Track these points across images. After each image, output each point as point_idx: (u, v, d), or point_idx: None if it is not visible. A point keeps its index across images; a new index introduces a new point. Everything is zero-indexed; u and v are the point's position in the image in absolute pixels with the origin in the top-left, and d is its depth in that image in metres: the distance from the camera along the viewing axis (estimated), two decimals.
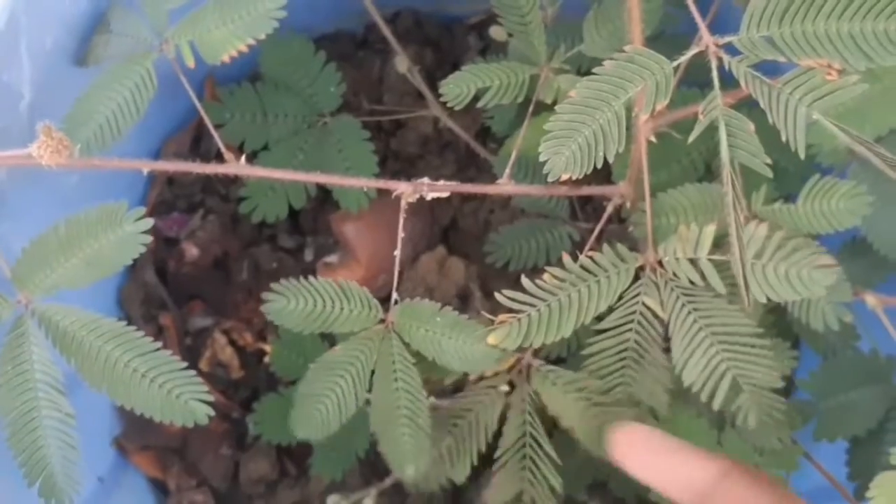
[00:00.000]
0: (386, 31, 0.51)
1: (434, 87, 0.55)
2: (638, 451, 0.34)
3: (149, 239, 0.37)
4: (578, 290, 0.36)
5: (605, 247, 0.36)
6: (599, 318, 0.44)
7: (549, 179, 0.32)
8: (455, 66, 0.64)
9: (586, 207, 0.56)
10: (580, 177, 0.32)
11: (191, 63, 0.42)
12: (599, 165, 0.31)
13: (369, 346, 0.42)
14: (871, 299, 0.38)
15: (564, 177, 0.31)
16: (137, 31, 0.45)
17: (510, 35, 0.49)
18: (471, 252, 0.60)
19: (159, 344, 0.38)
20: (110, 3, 0.46)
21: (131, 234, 0.37)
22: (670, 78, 0.30)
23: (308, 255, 0.60)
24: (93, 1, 0.46)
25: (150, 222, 0.37)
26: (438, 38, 0.64)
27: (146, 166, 0.40)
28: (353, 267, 0.57)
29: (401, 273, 0.59)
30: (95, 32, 0.46)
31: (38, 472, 0.39)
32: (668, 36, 0.47)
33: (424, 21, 0.64)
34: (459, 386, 0.45)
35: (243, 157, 0.42)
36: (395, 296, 0.46)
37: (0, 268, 0.39)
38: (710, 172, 0.44)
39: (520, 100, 0.43)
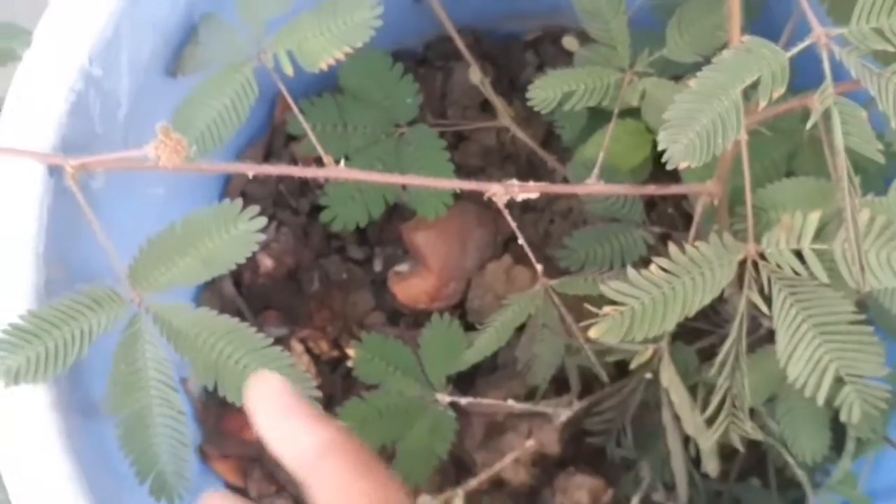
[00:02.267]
0: (461, 46, 0.53)
1: None
2: (266, 401, 0.32)
3: (262, 237, 0.39)
4: (683, 282, 0.37)
5: (712, 237, 0.37)
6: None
7: (668, 167, 0.33)
8: (512, 82, 0.66)
9: (651, 213, 0.57)
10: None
11: (289, 71, 0.44)
12: (718, 154, 0.32)
13: None
14: None
15: (683, 165, 0.32)
16: (229, 41, 0.46)
17: (583, 44, 0.51)
18: (530, 261, 0.61)
19: (270, 340, 0.39)
20: (201, 15, 0.48)
21: (245, 233, 0.38)
22: (786, 68, 0.32)
23: (377, 266, 0.61)
24: (186, 14, 0.47)
25: (263, 221, 0.39)
26: (496, 54, 0.66)
27: (252, 169, 0.41)
28: (424, 275, 0.58)
29: (469, 281, 0.60)
30: (187, 44, 0.48)
31: (149, 470, 0.40)
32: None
33: (483, 38, 0.66)
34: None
35: (342, 162, 0.43)
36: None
37: (112, 269, 0.41)
38: (790, 173, 0.45)
39: (605, 103, 0.45)
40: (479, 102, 0.63)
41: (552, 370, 0.53)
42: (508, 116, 0.56)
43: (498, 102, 0.55)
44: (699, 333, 0.52)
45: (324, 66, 0.43)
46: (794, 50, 0.32)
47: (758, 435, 0.42)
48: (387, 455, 0.54)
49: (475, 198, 0.61)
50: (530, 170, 0.63)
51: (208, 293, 0.58)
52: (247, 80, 0.44)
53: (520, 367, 0.54)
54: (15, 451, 0.40)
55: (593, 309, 0.38)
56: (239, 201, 0.39)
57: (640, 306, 0.38)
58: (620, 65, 0.45)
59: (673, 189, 0.42)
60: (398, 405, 0.51)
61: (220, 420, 0.56)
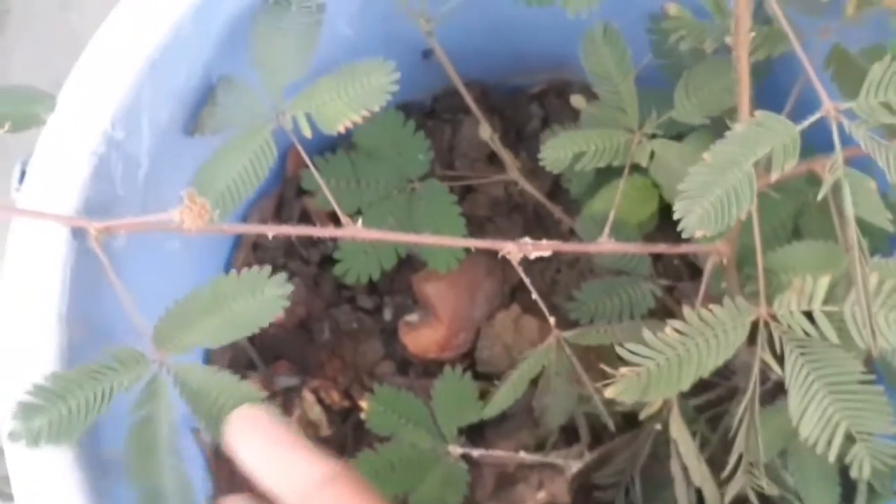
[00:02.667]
0: (470, 102, 0.54)
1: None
2: (253, 435, 0.32)
3: (287, 303, 0.39)
4: (698, 344, 0.38)
5: (726, 300, 0.38)
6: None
7: (684, 236, 0.34)
8: (518, 134, 0.67)
9: (657, 265, 0.58)
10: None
11: (308, 133, 0.45)
12: (732, 224, 0.33)
13: None
14: None
15: (698, 234, 0.33)
16: (247, 103, 0.47)
17: (589, 101, 0.52)
18: (538, 310, 0.62)
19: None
20: (219, 77, 0.49)
21: (272, 298, 0.39)
22: (797, 140, 0.33)
23: (387, 315, 0.61)
24: (204, 76, 0.48)
25: (290, 287, 0.39)
26: (502, 107, 0.67)
27: (271, 230, 0.42)
28: (435, 326, 0.59)
29: (479, 330, 0.61)
30: (205, 105, 0.49)
31: None
32: None
33: (489, 91, 0.67)
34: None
35: (359, 221, 0.44)
36: None
37: (133, 328, 0.41)
38: (797, 233, 0.46)
39: (615, 163, 0.46)
40: (487, 154, 0.64)
41: (565, 418, 0.54)
42: (516, 169, 0.57)
43: (506, 156, 0.57)
44: (705, 385, 0.53)
45: (341, 129, 0.44)
46: (805, 123, 0.33)
47: (773, 490, 0.43)
48: None
49: (484, 248, 0.62)
50: (537, 220, 0.64)
51: (216, 347, 0.58)
52: (266, 142, 0.45)
53: (536, 415, 0.55)
54: None
55: (609, 369, 0.39)
56: (267, 269, 0.39)
57: (655, 367, 0.38)
58: (629, 126, 0.46)
59: (683, 249, 0.43)
60: (410, 457, 0.52)
61: (232, 470, 0.57)
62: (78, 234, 0.42)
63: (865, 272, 0.33)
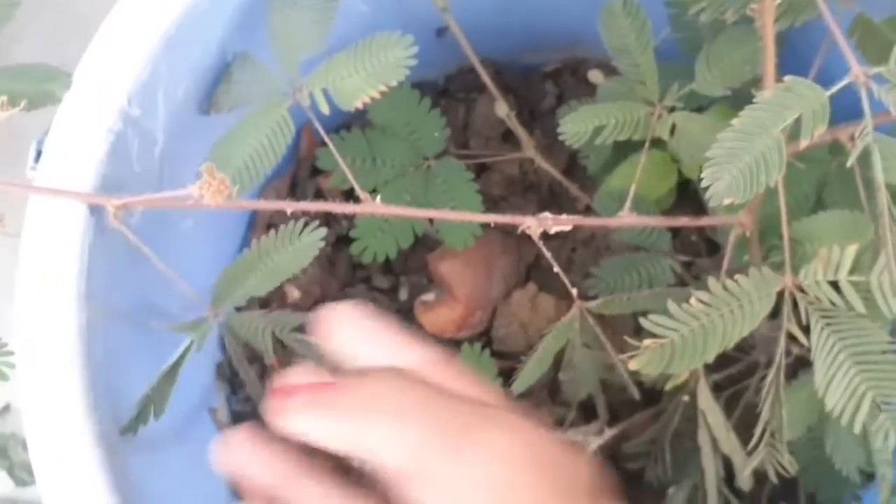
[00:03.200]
0: (487, 79, 0.54)
1: None
2: (354, 325, 0.33)
3: (322, 244, 0.42)
4: (723, 314, 0.38)
5: (752, 269, 0.38)
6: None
7: (711, 204, 0.33)
8: (532, 113, 0.67)
9: (675, 241, 0.58)
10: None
11: (325, 109, 0.44)
12: (761, 191, 0.33)
13: None
14: None
15: (727, 201, 0.33)
16: (263, 80, 0.47)
17: (607, 77, 0.52)
18: (553, 288, 0.62)
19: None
20: (234, 54, 0.49)
21: (308, 244, 0.42)
22: (826, 106, 0.33)
23: (402, 295, 0.61)
24: (220, 53, 0.48)
25: (323, 231, 0.42)
26: (516, 86, 0.67)
27: (291, 206, 0.42)
28: (451, 304, 0.58)
29: (495, 309, 0.61)
30: (220, 82, 0.49)
31: None
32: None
33: (503, 70, 0.66)
34: None
35: (377, 198, 0.43)
36: None
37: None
38: (820, 203, 0.45)
39: (636, 137, 0.46)
40: (501, 133, 0.63)
41: (589, 390, 0.54)
42: (532, 147, 0.57)
43: (522, 134, 0.56)
44: (724, 360, 0.53)
45: (359, 105, 0.44)
46: (834, 89, 0.33)
47: (793, 468, 0.43)
48: None
49: (499, 226, 0.61)
50: (552, 198, 0.64)
51: None
52: (283, 118, 0.44)
53: (564, 388, 0.55)
54: (59, 486, 0.40)
55: (632, 341, 0.39)
56: (299, 224, 0.42)
57: (679, 339, 0.38)
58: (650, 99, 0.46)
59: (705, 221, 0.43)
60: None
61: None
62: (95, 211, 0.42)
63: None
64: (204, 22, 0.46)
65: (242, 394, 0.60)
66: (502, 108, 0.54)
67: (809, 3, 0.43)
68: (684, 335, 0.38)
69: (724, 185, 0.33)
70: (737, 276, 0.38)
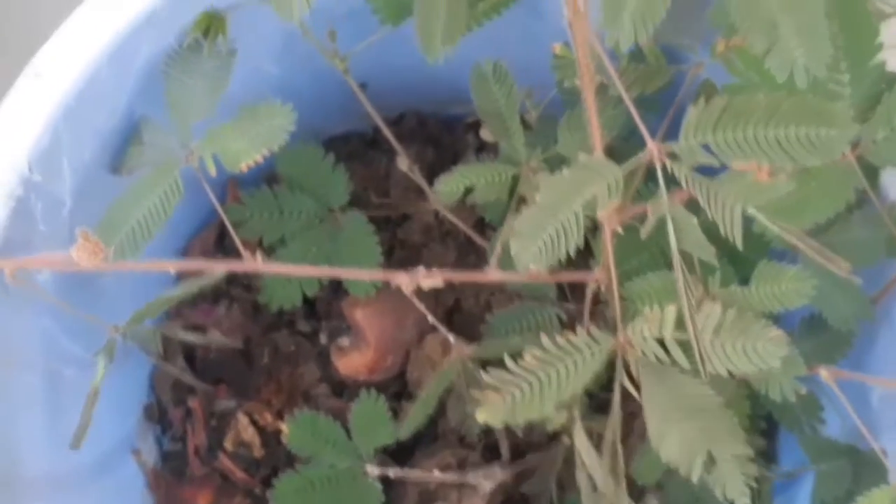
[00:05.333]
0: (388, 134, 0.56)
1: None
2: None
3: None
4: (557, 370, 0.40)
5: (579, 328, 0.40)
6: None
7: (519, 270, 0.36)
8: (454, 161, 0.70)
9: (575, 290, 0.60)
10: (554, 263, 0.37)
11: (213, 172, 0.48)
12: (563, 259, 0.35)
13: None
14: (824, 373, 0.41)
15: (533, 269, 0.36)
16: (165, 142, 0.50)
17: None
18: (474, 332, 0.65)
19: None
20: (140, 117, 0.52)
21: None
22: (620, 182, 0.35)
23: (323, 339, 0.64)
24: (125, 117, 0.52)
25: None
26: (440, 135, 0.70)
27: (172, 266, 0.45)
28: (363, 349, 0.61)
29: (408, 353, 0.63)
30: (130, 144, 0.52)
31: None
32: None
33: (427, 120, 0.70)
34: None
35: (259, 255, 0.46)
36: None
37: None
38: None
39: (504, 197, 0.48)
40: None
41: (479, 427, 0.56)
42: (439, 200, 0.59)
43: (426, 187, 0.59)
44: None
45: (244, 168, 0.47)
46: (630, 164, 0.35)
47: None
48: None
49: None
50: (469, 245, 0.66)
51: (162, 370, 0.61)
52: (174, 181, 0.48)
53: (454, 426, 0.57)
54: None
55: (475, 394, 0.41)
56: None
57: (519, 393, 0.40)
58: (517, 159, 0.49)
59: (564, 276, 0.46)
60: (329, 477, 0.54)
61: (171, 490, 0.60)
62: None
63: (692, 302, 0.35)
64: (106, 88, 0.49)
65: (171, 433, 0.63)
66: (403, 163, 0.57)
67: (658, 73, 0.46)
68: (523, 389, 0.40)
69: (528, 255, 0.35)
70: (567, 334, 0.40)
